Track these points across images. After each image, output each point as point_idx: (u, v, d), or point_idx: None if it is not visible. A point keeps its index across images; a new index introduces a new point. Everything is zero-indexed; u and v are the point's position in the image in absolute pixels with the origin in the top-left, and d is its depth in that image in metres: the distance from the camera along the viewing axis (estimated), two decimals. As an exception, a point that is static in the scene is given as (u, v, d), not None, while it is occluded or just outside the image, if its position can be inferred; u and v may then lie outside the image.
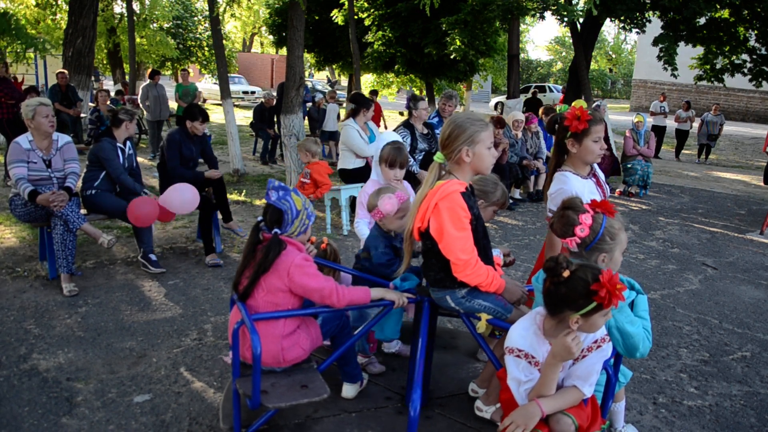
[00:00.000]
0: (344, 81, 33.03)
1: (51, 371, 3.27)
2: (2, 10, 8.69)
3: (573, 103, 10.56)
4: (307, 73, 31.10)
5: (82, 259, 5.10)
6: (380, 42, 16.93)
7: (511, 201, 8.20)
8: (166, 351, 3.57)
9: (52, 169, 4.51)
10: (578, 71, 15.47)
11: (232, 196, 7.33)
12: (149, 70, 11.75)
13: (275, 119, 11.10)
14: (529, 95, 19.13)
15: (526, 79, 44.67)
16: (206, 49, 27.55)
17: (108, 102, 10.43)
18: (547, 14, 14.56)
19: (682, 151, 15.31)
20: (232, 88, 17.58)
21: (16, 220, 5.65)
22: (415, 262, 2.81)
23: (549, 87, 32.00)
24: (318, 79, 38.35)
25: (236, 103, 19.35)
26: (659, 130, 14.87)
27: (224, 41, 12.26)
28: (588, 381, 2.09)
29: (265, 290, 2.46)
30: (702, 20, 14.28)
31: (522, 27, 31.30)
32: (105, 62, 24.40)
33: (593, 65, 43.36)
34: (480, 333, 2.50)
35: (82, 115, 10.72)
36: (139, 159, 6.08)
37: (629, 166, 9.44)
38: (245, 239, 3.04)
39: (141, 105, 11.20)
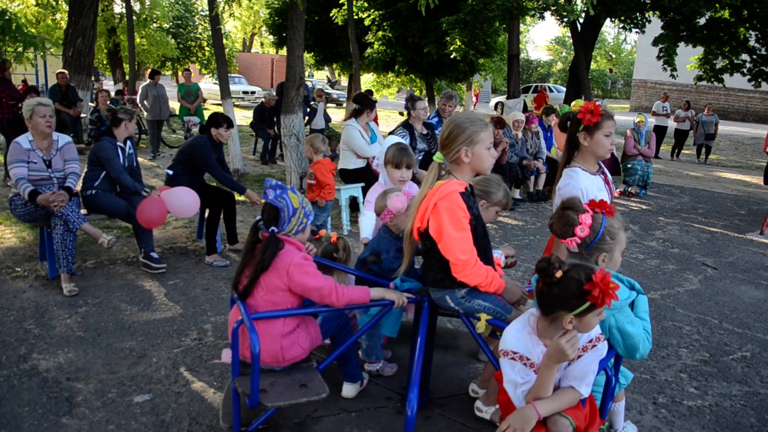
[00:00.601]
0: (344, 81, 33.04)
1: (51, 371, 3.27)
2: (1, 9, 8.67)
3: (573, 103, 10.58)
4: (307, 73, 31.07)
5: (82, 259, 5.10)
6: (380, 42, 16.93)
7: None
8: (166, 351, 3.57)
9: (53, 169, 4.51)
10: (578, 71, 15.48)
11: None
12: (149, 70, 11.75)
13: (275, 119, 11.11)
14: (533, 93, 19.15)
15: (526, 79, 44.65)
16: (206, 49, 27.55)
17: (108, 102, 10.43)
18: (547, 14, 14.57)
19: (682, 151, 15.31)
20: (232, 88, 17.59)
21: (16, 220, 5.65)
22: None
23: (550, 87, 31.96)
24: (318, 79, 38.33)
25: (236, 103, 19.36)
26: (661, 131, 14.88)
27: (224, 41, 12.25)
28: (584, 381, 2.08)
29: (264, 289, 2.47)
30: (702, 20, 14.29)
31: (522, 27, 31.26)
32: (105, 62, 24.39)
33: (593, 65, 43.34)
34: (480, 333, 2.50)
35: (82, 115, 10.72)
36: (139, 159, 6.08)
37: (629, 166, 9.44)
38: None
39: (139, 104, 11.20)
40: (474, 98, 28.73)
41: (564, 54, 52.51)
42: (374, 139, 6.58)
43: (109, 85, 22.30)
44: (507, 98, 14.99)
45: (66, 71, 10.63)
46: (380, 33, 16.82)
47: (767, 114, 29.50)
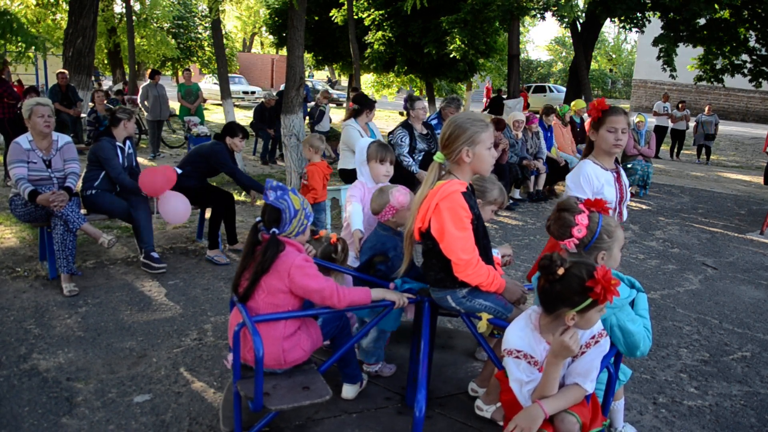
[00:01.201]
0: (344, 81, 33.04)
1: (51, 371, 3.27)
2: (2, 9, 8.66)
3: (573, 103, 10.58)
4: (307, 73, 31.05)
5: (82, 259, 5.10)
6: (380, 42, 16.93)
7: (511, 201, 8.20)
8: (166, 351, 3.57)
9: (52, 169, 4.51)
10: (578, 71, 15.48)
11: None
12: (149, 71, 11.75)
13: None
14: (494, 95, 19.30)
15: (526, 79, 44.64)
16: (207, 48, 27.56)
17: (105, 102, 10.43)
18: (547, 14, 14.58)
19: (683, 151, 15.30)
20: (232, 88, 17.59)
21: (16, 220, 5.65)
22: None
23: (549, 87, 31.95)
24: (318, 79, 38.32)
25: (236, 103, 19.35)
26: (661, 131, 14.87)
27: (224, 41, 12.26)
28: (588, 377, 2.09)
29: (265, 291, 2.45)
30: (702, 20, 14.29)
31: (522, 27, 31.24)
32: (105, 62, 24.41)
33: (593, 65, 43.32)
34: (481, 333, 2.51)
35: (82, 115, 10.72)
36: (139, 159, 6.08)
37: (629, 166, 9.44)
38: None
39: (140, 105, 11.20)
40: (485, 99, 28.09)
41: (564, 54, 52.50)
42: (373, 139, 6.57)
43: (108, 85, 22.28)
44: (507, 98, 14.99)
45: (66, 71, 10.62)
46: (380, 33, 16.83)
47: (767, 114, 29.50)
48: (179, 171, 5.31)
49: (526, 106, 20.08)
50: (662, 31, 14.42)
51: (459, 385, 3.02)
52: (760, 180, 12.14)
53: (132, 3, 18.35)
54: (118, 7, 23.46)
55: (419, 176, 6.11)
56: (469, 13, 13.94)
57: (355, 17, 14.93)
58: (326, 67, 27.33)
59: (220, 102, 9.55)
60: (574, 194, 2.81)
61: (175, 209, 4.81)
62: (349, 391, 2.80)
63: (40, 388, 3.10)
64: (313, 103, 13.89)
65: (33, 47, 9.03)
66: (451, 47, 14.61)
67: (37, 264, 4.92)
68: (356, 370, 2.80)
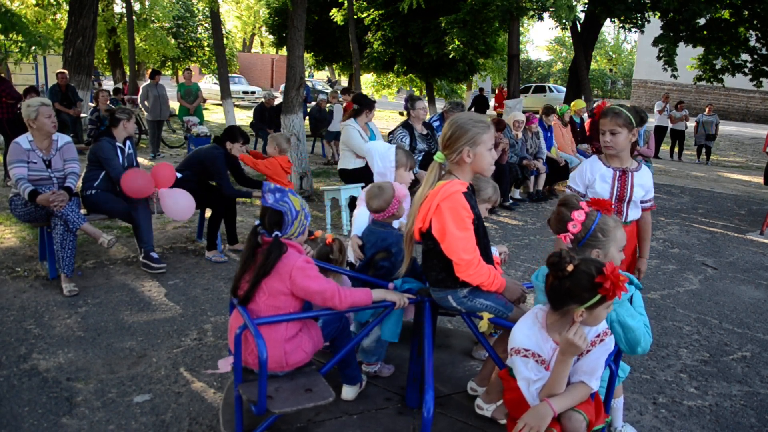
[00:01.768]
0: (344, 81, 33.03)
1: (51, 371, 3.27)
2: (4, 8, 8.66)
3: (572, 103, 10.58)
4: (307, 73, 31.09)
5: (82, 259, 5.10)
6: (380, 42, 16.93)
7: (511, 201, 8.21)
8: (166, 351, 3.57)
9: (52, 169, 4.51)
10: (578, 71, 15.49)
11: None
12: (149, 70, 11.75)
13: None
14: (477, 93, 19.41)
15: (527, 79, 44.65)
16: (207, 48, 27.58)
17: (108, 102, 10.43)
18: (546, 15, 14.58)
19: (683, 152, 15.29)
20: (232, 88, 17.60)
21: (16, 220, 5.65)
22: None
23: (549, 87, 31.95)
24: (318, 79, 38.33)
25: (236, 103, 19.36)
26: (660, 131, 14.87)
27: (224, 41, 12.25)
28: (594, 375, 2.11)
29: (266, 294, 2.43)
30: (702, 20, 14.29)
31: (522, 27, 31.21)
32: (105, 62, 24.42)
33: (593, 65, 43.33)
34: (482, 332, 2.51)
35: (82, 115, 10.72)
36: (140, 159, 6.08)
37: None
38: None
39: (140, 105, 11.19)
40: (495, 102, 26.21)
41: (564, 54, 52.51)
42: (373, 139, 6.57)
43: (108, 85, 22.29)
44: (507, 98, 14.99)
45: (66, 71, 10.62)
46: (380, 33, 16.83)
47: (767, 114, 29.51)
48: (179, 175, 5.32)
49: (503, 101, 20.29)
50: (662, 31, 14.43)
51: (458, 384, 3.02)
52: (760, 180, 12.14)
53: (132, 3, 18.34)
54: (118, 7, 23.50)
55: (419, 176, 6.09)
56: (468, 14, 13.94)
57: (355, 17, 14.92)
58: (326, 67, 27.32)
59: (220, 102, 9.55)
60: (570, 185, 3.15)
61: (180, 205, 4.77)
62: (348, 392, 2.79)
63: (40, 388, 3.10)
64: (313, 104, 13.92)
65: (36, 45, 9.02)
66: (450, 48, 14.60)
67: (37, 264, 4.92)
68: (356, 371, 2.80)
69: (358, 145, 6.41)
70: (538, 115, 9.09)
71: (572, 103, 10.38)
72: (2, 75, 8.34)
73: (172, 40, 25.83)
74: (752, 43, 14.62)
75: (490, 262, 2.48)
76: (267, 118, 11.36)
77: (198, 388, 3.16)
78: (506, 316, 2.47)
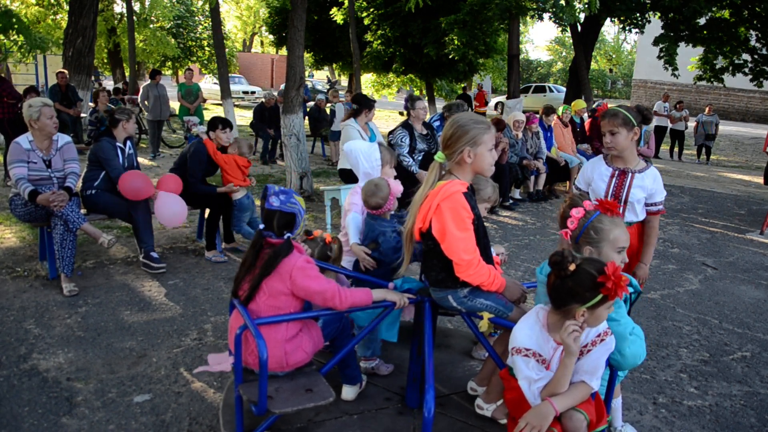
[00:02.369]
0: (344, 81, 33.02)
1: (51, 371, 3.27)
2: (5, 9, 8.67)
3: (572, 103, 10.57)
4: (306, 73, 31.06)
5: (82, 259, 5.10)
6: (379, 41, 16.92)
7: (511, 201, 8.21)
8: (166, 351, 3.57)
9: (52, 169, 4.51)
10: (578, 71, 15.49)
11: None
12: (150, 70, 11.76)
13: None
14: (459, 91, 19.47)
15: (527, 79, 44.64)
16: (207, 48, 27.58)
17: (107, 102, 10.44)
18: (546, 16, 14.57)
19: (684, 152, 15.28)
20: (232, 88, 17.59)
21: (16, 220, 5.65)
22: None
23: (549, 87, 31.94)
24: (318, 79, 38.33)
25: (236, 103, 19.37)
26: (660, 131, 14.87)
27: (224, 41, 12.25)
28: (595, 375, 2.11)
29: (266, 294, 2.43)
30: (702, 20, 14.29)
31: (522, 27, 31.15)
32: (105, 62, 24.43)
33: (593, 65, 43.33)
34: (482, 332, 2.52)
35: (83, 115, 10.73)
36: (140, 159, 6.08)
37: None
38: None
39: (140, 104, 11.19)
40: (476, 102, 27.01)
41: (564, 54, 52.50)
42: (373, 139, 6.57)
43: (108, 85, 22.29)
44: (507, 98, 15.00)
45: (66, 71, 10.63)
46: (380, 32, 16.81)
47: (767, 114, 29.50)
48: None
49: (484, 101, 20.42)
50: (662, 31, 14.43)
51: (457, 384, 3.02)
52: (760, 180, 12.14)
53: (132, 3, 18.34)
54: (118, 7, 23.51)
55: (419, 176, 6.11)
56: (468, 14, 13.93)
57: (355, 17, 14.90)
58: (326, 67, 27.32)
59: (220, 102, 9.55)
60: (576, 184, 3.32)
61: (170, 210, 4.80)
62: (349, 392, 2.79)
63: (40, 388, 3.10)
64: (312, 103, 13.91)
65: (37, 45, 9.03)
66: (450, 48, 14.59)
67: (37, 264, 4.92)
68: (356, 371, 2.80)
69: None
70: (538, 115, 9.09)
71: (572, 103, 10.38)
72: (2, 75, 8.33)
73: (172, 40, 25.83)
74: (752, 42, 14.63)
75: (490, 262, 2.49)
76: (267, 118, 11.35)
77: (198, 388, 3.17)
78: (506, 315, 2.48)
